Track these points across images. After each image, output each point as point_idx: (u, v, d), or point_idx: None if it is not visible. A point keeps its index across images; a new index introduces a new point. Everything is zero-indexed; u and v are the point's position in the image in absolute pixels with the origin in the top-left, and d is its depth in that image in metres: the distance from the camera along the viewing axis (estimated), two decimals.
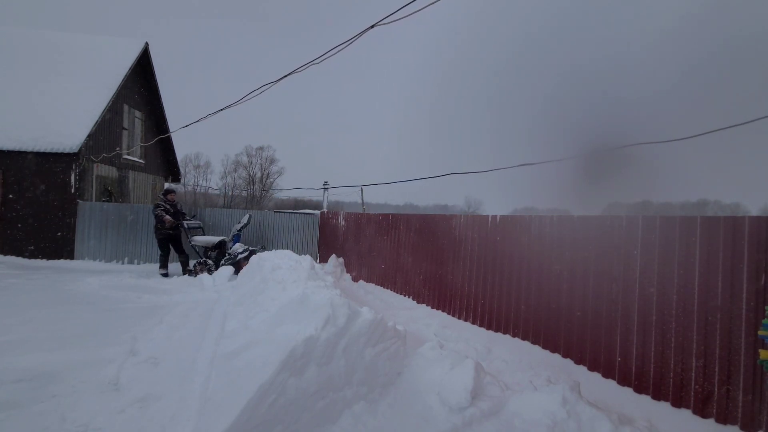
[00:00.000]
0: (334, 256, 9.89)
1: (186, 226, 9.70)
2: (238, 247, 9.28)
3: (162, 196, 9.78)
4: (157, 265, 11.06)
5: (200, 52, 73.62)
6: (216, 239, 9.67)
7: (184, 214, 10.03)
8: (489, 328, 5.86)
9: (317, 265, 7.16)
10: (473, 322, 6.15)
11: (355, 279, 9.41)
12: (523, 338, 5.33)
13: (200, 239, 9.74)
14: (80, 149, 11.90)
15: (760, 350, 2.91)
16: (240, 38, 75.61)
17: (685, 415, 3.64)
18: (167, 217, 9.15)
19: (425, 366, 3.92)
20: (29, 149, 11.74)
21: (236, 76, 68.94)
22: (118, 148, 14.18)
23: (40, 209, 11.82)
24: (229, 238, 9.73)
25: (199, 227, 10.33)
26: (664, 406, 3.78)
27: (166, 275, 9.64)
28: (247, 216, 10.26)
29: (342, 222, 10.42)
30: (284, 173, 47.99)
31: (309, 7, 79.50)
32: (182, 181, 30.28)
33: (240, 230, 9.92)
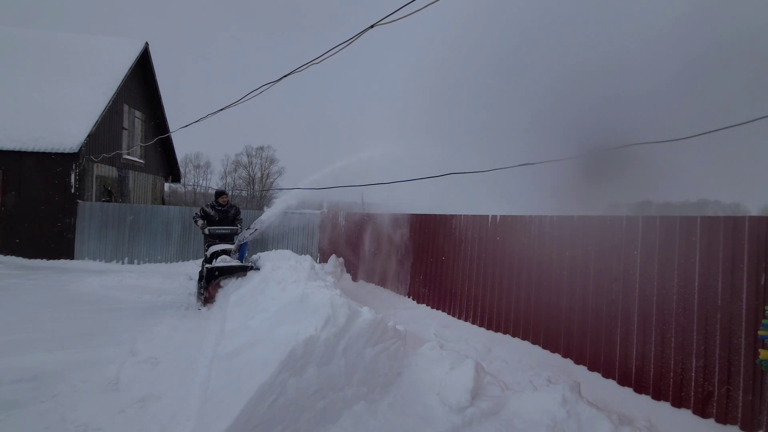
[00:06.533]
0: (334, 256, 9.88)
1: (207, 232, 7.81)
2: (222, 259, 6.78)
3: (214, 200, 8.23)
4: (159, 264, 10.94)
5: (201, 52, 73.65)
6: (211, 249, 7.35)
7: (238, 219, 8.22)
8: (489, 328, 5.86)
9: (317, 265, 7.16)
10: (473, 322, 6.15)
11: (355, 279, 9.41)
12: (523, 338, 5.33)
13: (211, 249, 7.49)
14: (80, 149, 11.91)
15: (760, 350, 2.91)
16: (240, 38, 75.61)
17: (685, 415, 3.64)
18: (200, 221, 7.98)
19: (425, 366, 3.92)
20: (29, 149, 11.75)
21: (237, 76, 68.94)
22: (118, 149, 14.19)
23: (40, 209, 11.82)
24: (235, 248, 7.53)
25: (233, 233, 7.98)
26: (664, 406, 3.78)
27: None
28: (258, 220, 8.41)
29: (342, 222, 10.42)
30: (284, 173, 48.04)
31: (310, 6, 79.50)
32: (182, 181, 30.30)
33: (249, 237, 7.97)
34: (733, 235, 3.50)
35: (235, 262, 6.75)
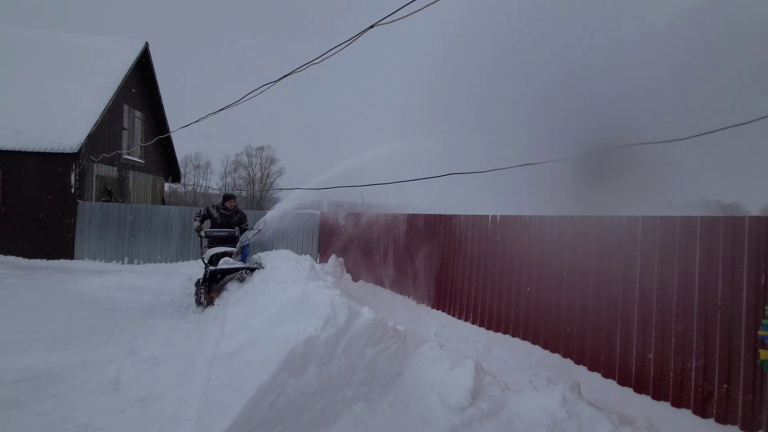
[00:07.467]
0: (334, 256, 9.88)
1: (203, 234, 7.35)
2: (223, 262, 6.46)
3: (221, 202, 7.84)
4: (159, 264, 10.90)
5: (200, 52, 73.66)
6: (210, 251, 7.02)
7: (241, 227, 7.74)
8: (489, 328, 5.85)
9: (317, 265, 7.14)
10: (473, 322, 6.15)
11: (355, 279, 9.41)
12: (523, 338, 5.33)
13: (209, 252, 7.13)
14: (80, 149, 11.91)
15: (760, 350, 2.91)
16: (240, 38, 75.61)
17: (685, 415, 3.64)
18: (196, 222, 7.52)
19: (425, 366, 3.92)
20: (29, 149, 11.75)
21: (237, 76, 68.90)
22: (118, 149, 14.19)
23: (40, 209, 11.82)
24: (237, 250, 7.10)
25: (230, 236, 7.53)
26: (664, 406, 3.78)
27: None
28: (262, 221, 7.77)
29: (342, 222, 10.42)
30: (284, 173, 48.01)
31: (310, 7, 79.53)
32: (182, 181, 30.29)
33: (252, 238, 7.55)
34: (733, 235, 3.50)
35: (238, 264, 6.53)
